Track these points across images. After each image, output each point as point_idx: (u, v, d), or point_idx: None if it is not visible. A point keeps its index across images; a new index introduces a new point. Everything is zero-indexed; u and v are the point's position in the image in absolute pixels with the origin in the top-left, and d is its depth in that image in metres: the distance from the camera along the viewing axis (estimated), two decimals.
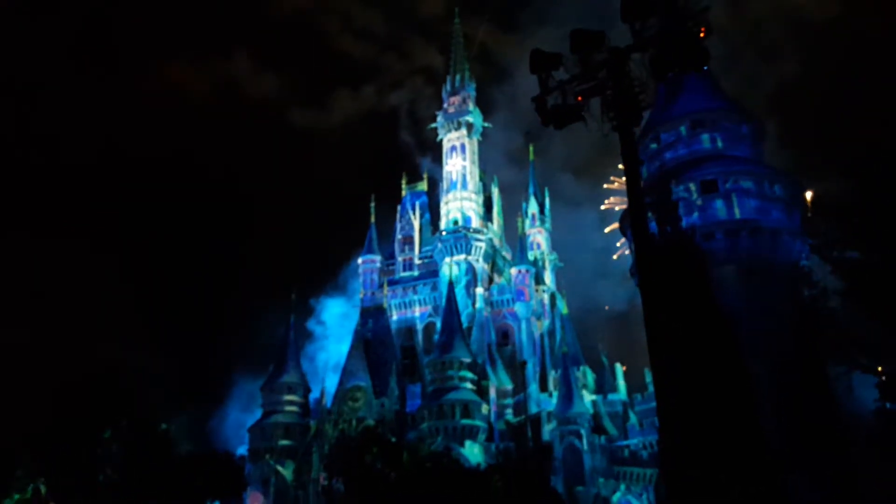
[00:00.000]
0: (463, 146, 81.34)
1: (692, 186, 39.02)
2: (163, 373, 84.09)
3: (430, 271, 78.20)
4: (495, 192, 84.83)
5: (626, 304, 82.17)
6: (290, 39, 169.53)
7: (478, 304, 73.36)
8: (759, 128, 42.87)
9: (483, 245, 76.62)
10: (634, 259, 39.34)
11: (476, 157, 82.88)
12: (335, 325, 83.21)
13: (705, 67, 12.62)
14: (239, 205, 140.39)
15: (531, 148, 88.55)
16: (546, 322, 75.49)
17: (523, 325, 72.80)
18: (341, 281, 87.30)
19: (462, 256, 74.97)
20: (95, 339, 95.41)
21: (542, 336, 74.13)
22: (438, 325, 69.68)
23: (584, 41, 12.26)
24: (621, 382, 67.95)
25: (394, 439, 51.48)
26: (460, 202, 78.83)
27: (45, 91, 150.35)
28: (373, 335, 70.72)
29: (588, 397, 64.15)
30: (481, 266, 76.32)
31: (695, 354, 22.68)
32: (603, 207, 62.94)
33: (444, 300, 69.42)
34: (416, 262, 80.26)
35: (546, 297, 77.27)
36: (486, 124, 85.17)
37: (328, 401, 65.42)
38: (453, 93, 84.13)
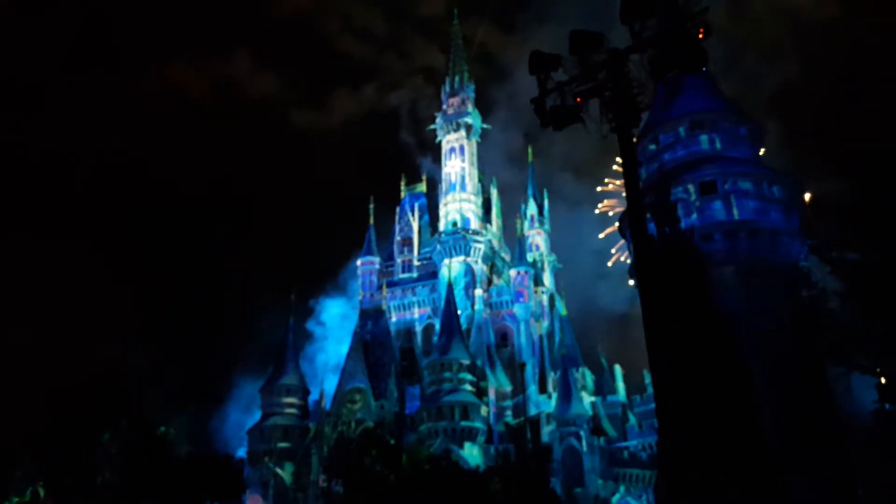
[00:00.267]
0: (462, 148, 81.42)
1: (691, 188, 39.00)
2: (163, 374, 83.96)
3: (429, 273, 78.19)
4: (494, 193, 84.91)
5: (625, 305, 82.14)
6: (290, 39, 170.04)
7: (477, 306, 73.36)
8: (758, 129, 42.86)
9: (482, 246, 76.65)
10: (633, 260, 39.34)
11: (475, 158, 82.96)
12: (335, 325, 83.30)
13: (704, 68, 12.62)
14: (238, 205, 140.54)
15: (530, 150, 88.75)
16: (545, 323, 75.50)
17: (522, 327, 72.79)
18: (341, 281, 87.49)
19: (461, 258, 74.98)
20: (95, 340, 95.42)
21: (541, 337, 74.10)
22: (437, 326, 69.67)
23: (583, 42, 12.26)
24: (620, 384, 67.99)
25: (393, 441, 51.48)
26: (459, 204, 78.89)
27: (45, 91, 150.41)
28: (372, 337, 70.72)
29: (587, 399, 64.15)
30: (480, 267, 76.33)
31: (694, 356, 22.69)
32: (598, 211, 62.86)
33: (443, 302, 69.41)
34: (415, 263, 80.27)
35: (545, 299, 77.29)
36: (485, 125, 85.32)
37: (327, 403, 65.40)
38: (452, 94, 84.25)
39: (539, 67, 12.68)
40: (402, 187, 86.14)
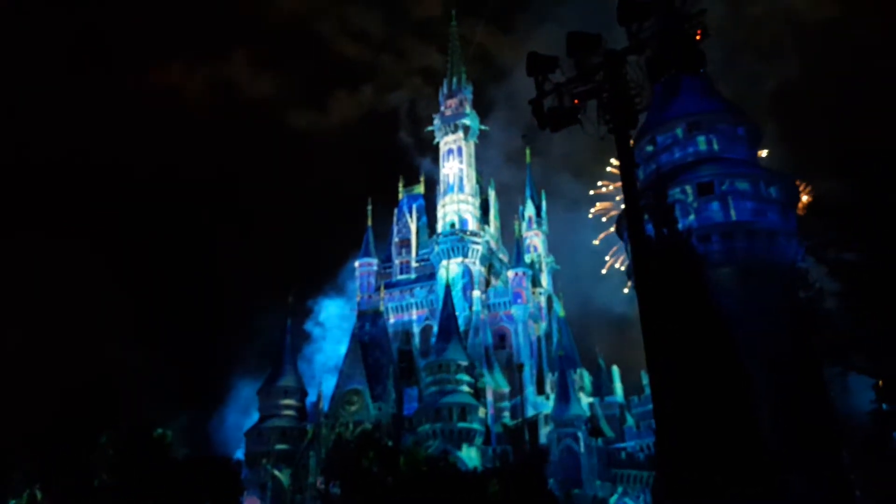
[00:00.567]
0: (460, 149, 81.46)
1: (688, 189, 39.08)
2: (161, 375, 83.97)
3: (427, 274, 78.19)
4: (492, 194, 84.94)
5: (622, 306, 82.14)
6: (288, 41, 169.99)
7: (475, 307, 73.37)
8: (756, 129, 42.94)
9: (480, 248, 76.67)
10: (631, 262, 39.36)
11: (473, 159, 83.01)
12: (333, 326, 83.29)
13: (702, 69, 12.64)
14: (237, 206, 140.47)
15: (528, 151, 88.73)
16: (543, 325, 75.53)
17: (520, 328, 72.80)
18: (340, 282, 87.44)
19: (459, 259, 74.98)
20: (93, 342, 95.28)
21: (538, 339, 74.15)
22: (435, 328, 69.60)
23: (581, 44, 12.27)
24: (618, 385, 68.05)
25: (391, 443, 51.46)
26: (457, 205, 78.92)
27: (42, 92, 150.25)
28: (370, 338, 70.65)
29: (585, 400, 64.21)
30: (478, 269, 76.33)
31: (691, 356, 22.69)
32: (591, 214, 62.72)
33: (440, 303, 69.40)
34: (413, 264, 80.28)
35: (543, 300, 77.31)
36: (482, 127, 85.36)
37: (325, 405, 65.33)
38: (450, 96, 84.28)
39: (537, 69, 12.69)
40: (401, 188, 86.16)
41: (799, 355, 33.07)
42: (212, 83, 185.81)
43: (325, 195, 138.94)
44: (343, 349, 70.82)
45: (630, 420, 64.14)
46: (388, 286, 78.12)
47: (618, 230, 44.76)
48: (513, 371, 67.34)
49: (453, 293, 69.60)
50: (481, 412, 62.41)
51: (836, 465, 32.98)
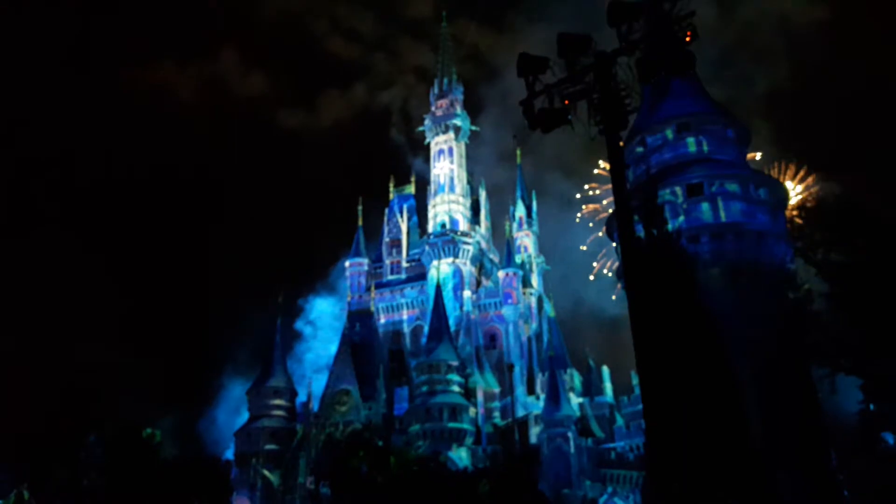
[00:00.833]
0: (451, 149, 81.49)
1: (678, 190, 39.24)
2: (150, 375, 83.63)
3: (418, 274, 78.20)
4: (483, 195, 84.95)
5: (613, 306, 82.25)
6: (279, 40, 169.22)
7: (465, 307, 73.43)
8: (745, 131, 43.17)
9: (470, 248, 76.73)
10: (621, 262, 39.47)
11: (464, 160, 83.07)
12: (324, 325, 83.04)
13: (691, 71, 12.70)
14: (227, 205, 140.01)
15: (518, 151, 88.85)
16: (533, 325, 75.66)
17: (510, 328, 72.92)
18: (331, 280, 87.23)
19: (449, 259, 75.00)
20: (80, 342, 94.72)
21: (529, 339, 74.25)
22: (426, 328, 69.64)
23: (571, 45, 12.30)
24: (608, 385, 68.10)
25: (381, 443, 51.36)
26: (448, 205, 78.94)
27: (29, 91, 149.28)
28: (360, 338, 70.51)
29: (575, 400, 64.28)
30: (469, 269, 76.39)
31: (681, 357, 22.76)
32: (578, 217, 62.66)
33: (431, 303, 69.42)
34: (404, 265, 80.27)
35: (533, 300, 77.45)
36: (473, 127, 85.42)
37: (315, 405, 65.12)
38: (441, 96, 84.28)
39: (527, 70, 12.70)
40: (391, 188, 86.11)
41: (788, 356, 33.22)
42: (202, 82, 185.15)
43: (315, 194, 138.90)
44: (334, 348, 70.66)
45: (620, 420, 64.19)
46: (379, 286, 78.07)
47: (608, 231, 44.89)
48: (503, 371, 67.33)
49: (444, 293, 69.63)
50: (472, 412, 62.47)
51: (824, 464, 33.18)
